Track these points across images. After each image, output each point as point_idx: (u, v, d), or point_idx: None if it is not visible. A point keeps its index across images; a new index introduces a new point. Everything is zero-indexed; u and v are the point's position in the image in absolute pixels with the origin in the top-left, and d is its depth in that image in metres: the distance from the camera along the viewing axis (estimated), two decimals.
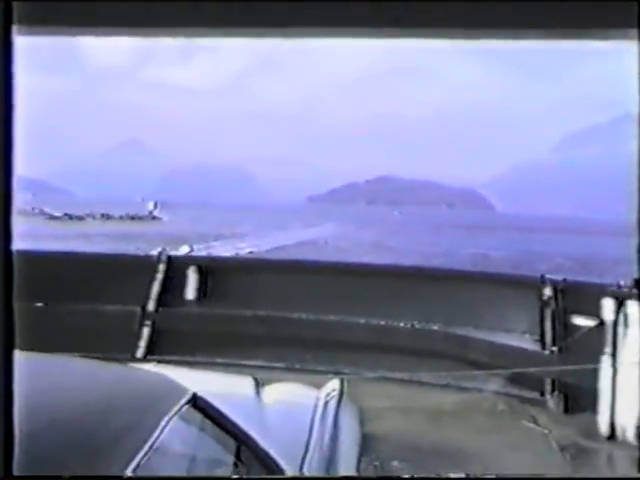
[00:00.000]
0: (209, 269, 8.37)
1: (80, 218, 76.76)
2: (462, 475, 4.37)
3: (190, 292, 8.25)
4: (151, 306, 8.18)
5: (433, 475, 4.27)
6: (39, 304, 7.24)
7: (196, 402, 2.16)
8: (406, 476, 4.69)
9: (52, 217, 74.80)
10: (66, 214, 76.07)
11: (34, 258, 6.94)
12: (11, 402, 0.94)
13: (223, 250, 40.56)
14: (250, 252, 38.43)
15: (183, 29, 1.13)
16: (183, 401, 2.07)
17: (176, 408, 2.00)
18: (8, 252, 0.97)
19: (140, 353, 7.94)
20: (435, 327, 7.77)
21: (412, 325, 7.79)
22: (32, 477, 1.36)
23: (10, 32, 1.02)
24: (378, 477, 4.54)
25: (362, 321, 7.83)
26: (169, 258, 8.40)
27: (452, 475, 4.17)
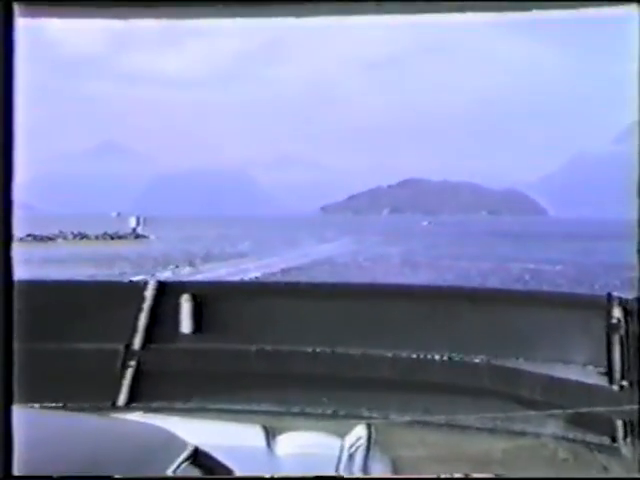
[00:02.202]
0: (205, 297, 8.38)
1: (49, 238, 77.20)
2: (462, 475, 4.42)
3: (183, 325, 8.26)
4: (136, 343, 8.19)
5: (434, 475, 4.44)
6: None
7: (197, 458, 2.16)
8: (407, 476, 5.13)
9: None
10: (30, 235, 75.62)
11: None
12: (11, 402, 1.11)
13: (222, 273, 40.70)
14: (255, 276, 38.53)
15: (171, 10, 1.15)
16: (182, 457, 2.07)
17: (174, 466, 2.00)
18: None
19: (122, 400, 7.95)
20: (477, 359, 7.74)
21: (449, 357, 7.77)
22: (32, 477, 1.51)
23: (11, 32, 1.18)
24: (378, 478, 4.61)
25: (389, 354, 7.82)
26: (158, 285, 8.42)
27: (454, 475, 4.21)
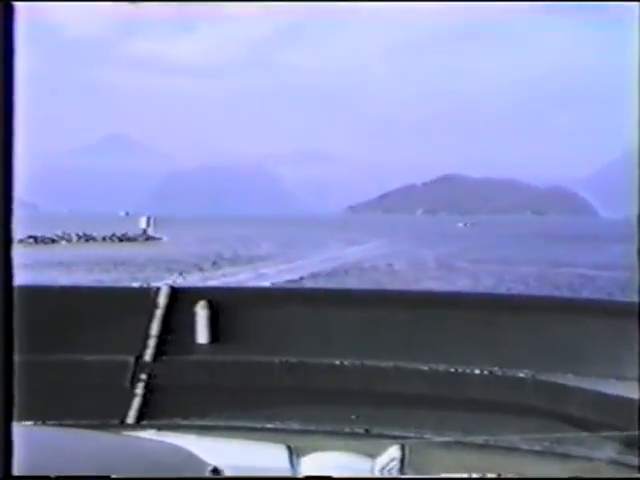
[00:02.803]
0: (223, 304, 8.39)
1: (51, 240, 77.65)
2: (464, 475, 4.44)
3: (199, 334, 8.28)
4: (148, 354, 8.23)
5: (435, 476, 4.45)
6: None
7: (216, 478, 2.17)
8: (407, 476, 5.23)
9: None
10: (31, 236, 75.99)
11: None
12: (11, 402, 1.15)
13: (241, 279, 40.77)
14: (277, 282, 38.65)
15: None
16: (200, 478, 2.09)
17: None
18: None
19: (133, 417, 7.99)
20: (521, 374, 7.70)
21: (490, 372, 7.75)
22: (32, 477, 1.58)
23: (11, 31, 1.23)
24: (377, 478, 4.60)
25: (425, 368, 7.80)
26: (171, 291, 8.43)
27: (454, 475, 4.24)
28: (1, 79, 1.26)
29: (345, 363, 8.06)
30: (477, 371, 7.80)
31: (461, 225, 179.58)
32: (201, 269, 47.72)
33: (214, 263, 51.83)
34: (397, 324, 8.20)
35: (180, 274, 44.00)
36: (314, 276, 43.93)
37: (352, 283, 40.83)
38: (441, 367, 7.85)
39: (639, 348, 7.38)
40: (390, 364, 8.04)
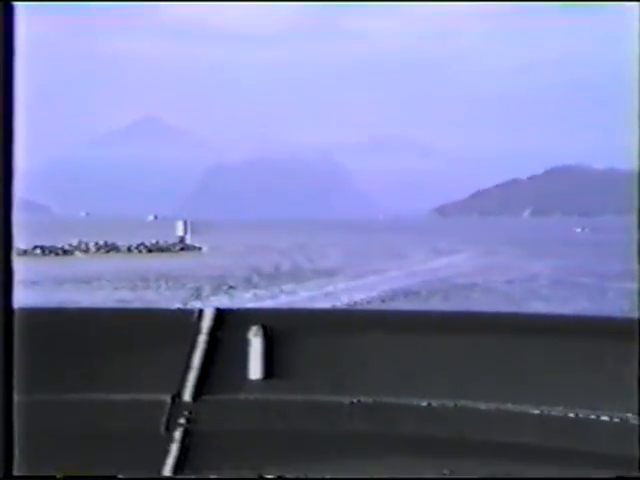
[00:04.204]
0: (281, 330, 8.45)
1: (64, 251, 78.58)
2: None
3: (251, 367, 8.35)
4: (187, 392, 8.32)
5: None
6: (16, 396, 7.43)
7: None
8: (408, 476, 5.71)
9: (16, 251, 74.89)
10: (37, 246, 76.63)
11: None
12: (11, 402, 1.33)
13: (302, 298, 40.93)
14: (347, 303, 38.78)
15: None
16: None
17: None
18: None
19: (169, 469, 8.09)
20: None
21: (621, 418, 7.65)
22: (32, 477, 1.77)
23: (11, 31, 1.47)
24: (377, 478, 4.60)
25: (535, 411, 7.76)
26: (217, 313, 8.52)
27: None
28: (1, 79, 1.47)
29: (433, 405, 8.01)
30: (605, 417, 7.68)
31: (579, 230, 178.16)
32: (253, 286, 48.01)
33: (268, 279, 52.13)
34: (498, 355, 8.13)
35: (226, 292, 44.33)
36: (393, 295, 43.92)
37: (440, 304, 40.69)
38: (557, 411, 7.75)
39: None
40: (491, 406, 7.98)
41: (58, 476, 1.90)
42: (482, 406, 7.83)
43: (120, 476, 2.01)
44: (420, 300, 41.76)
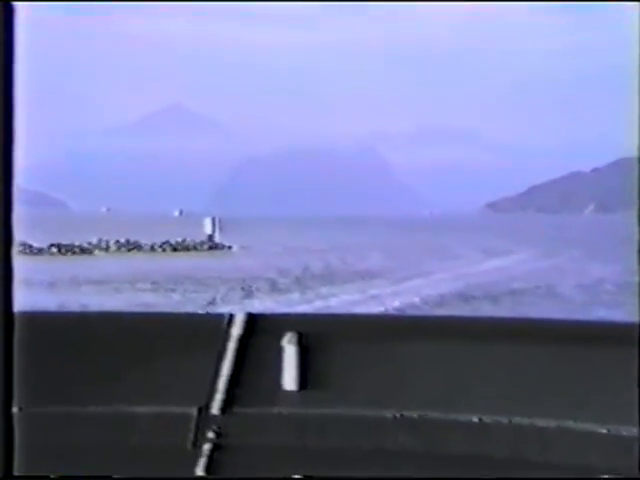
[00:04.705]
0: (318, 337, 8.45)
1: (82, 249, 78.85)
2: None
3: (285, 378, 8.36)
4: (216, 405, 8.35)
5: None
6: (31, 407, 7.44)
7: None
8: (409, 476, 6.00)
9: (31, 250, 75.25)
10: (53, 245, 77.11)
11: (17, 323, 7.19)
12: (11, 402, 1.40)
13: (341, 302, 40.90)
14: (390, 308, 38.74)
15: None
16: None
17: None
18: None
19: None
20: None
21: None
22: (32, 477, 1.91)
23: (11, 31, 1.59)
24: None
25: (602, 430, 7.70)
26: (248, 318, 8.52)
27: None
28: (1, 78, 1.56)
29: (485, 420, 7.97)
30: None
31: None
32: (287, 289, 48.03)
33: (304, 280, 52.18)
34: (555, 366, 8.06)
35: (258, 296, 44.35)
36: (441, 299, 43.81)
37: (492, 310, 40.51)
38: (628, 431, 7.67)
39: None
40: (551, 424, 7.92)
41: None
42: (540, 423, 7.78)
43: (115, 476, 2.14)
44: (470, 306, 41.63)
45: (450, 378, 8.11)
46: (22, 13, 1.72)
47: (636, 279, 52.74)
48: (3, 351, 1.44)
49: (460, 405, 7.94)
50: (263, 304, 41.69)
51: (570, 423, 7.73)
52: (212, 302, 42.66)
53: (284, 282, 51.50)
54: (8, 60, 1.56)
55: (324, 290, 46.93)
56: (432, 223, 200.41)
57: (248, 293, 46.37)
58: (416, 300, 42.93)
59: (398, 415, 8.11)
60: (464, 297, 45.24)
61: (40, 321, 9.07)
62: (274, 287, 49.08)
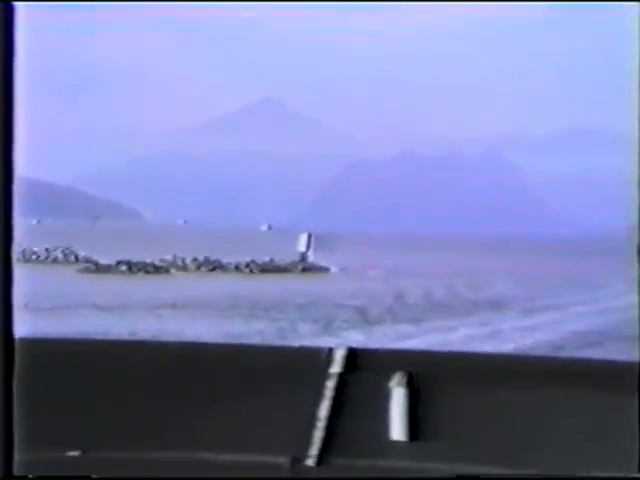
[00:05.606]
0: (431, 378, 8.44)
1: (156, 268, 79.59)
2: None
3: (393, 425, 8.36)
4: (312, 455, 8.36)
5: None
6: (71, 452, 7.50)
7: None
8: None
9: (97, 268, 75.95)
10: (122, 262, 79.40)
11: (62, 350, 7.32)
12: (11, 402, 1.83)
13: (459, 337, 40.77)
14: (520, 346, 38.63)
15: None
16: None
17: None
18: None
19: None
20: None
21: None
22: (32, 477, 2.15)
23: (11, 31, 1.83)
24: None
25: None
26: (350, 354, 8.56)
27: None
28: (1, 78, 1.87)
29: None
30: None
31: None
32: (394, 320, 47.91)
33: (415, 311, 52.10)
34: None
35: (362, 327, 44.31)
36: (578, 338, 43.44)
37: None
38: None
39: None
40: None
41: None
42: None
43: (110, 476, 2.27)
44: (616, 346, 41.15)
45: (591, 430, 7.97)
46: (22, 13, 1.82)
47: None
48: (4, 351, 1.66)
49: (604, 463, 7.80)
50: (368, 337, 41.70)
51: None
52: (308, 333, 42.81)
53: (393, 311, 51.41)
54: (8, 60, 1.84)
55: (440, 322, 46.89)
56: (569, 243, 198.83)
57: (349, 324, 46.40)
58: (549, 337, 42.61)
59: (532, 474, 7.98)
60: (608, 336, 44.71)
61: (105, 347, 9.15)
62: (381, 317, 49.04)
